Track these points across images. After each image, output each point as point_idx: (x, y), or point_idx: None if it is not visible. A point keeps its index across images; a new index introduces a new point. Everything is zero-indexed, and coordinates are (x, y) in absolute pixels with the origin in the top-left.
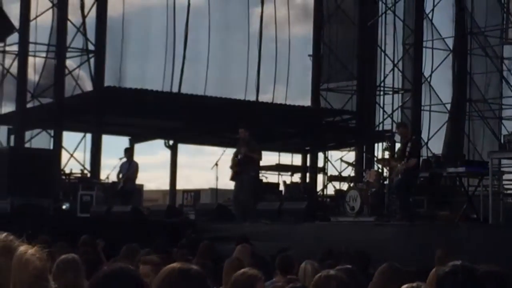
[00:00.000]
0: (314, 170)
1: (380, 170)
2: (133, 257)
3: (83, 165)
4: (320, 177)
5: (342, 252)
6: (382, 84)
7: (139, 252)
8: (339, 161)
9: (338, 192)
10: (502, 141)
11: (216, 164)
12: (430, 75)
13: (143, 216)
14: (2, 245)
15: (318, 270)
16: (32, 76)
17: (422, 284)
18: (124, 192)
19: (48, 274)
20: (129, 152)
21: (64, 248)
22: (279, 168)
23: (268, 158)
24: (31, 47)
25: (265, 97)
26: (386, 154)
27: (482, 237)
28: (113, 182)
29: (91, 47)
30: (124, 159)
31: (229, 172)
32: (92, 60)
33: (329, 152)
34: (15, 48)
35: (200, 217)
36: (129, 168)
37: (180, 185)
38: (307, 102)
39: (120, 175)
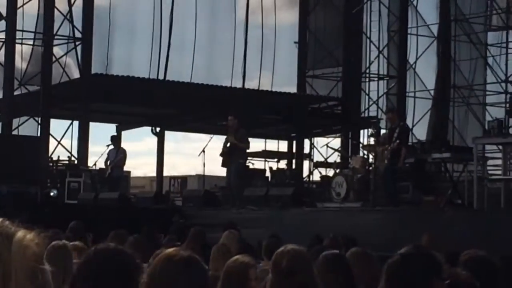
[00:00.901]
0: (300, 156)
1: (365, 156)
2: (121, 242)
3: (70, 152)
4: (306, 164)
5: (330, 238)
6: (367, 71)
7: (126, 237)
8: (325, 147)
9: (324, 178)
10: (486, 127)
11: (203, 151)
12: (415, 62)
13: (130, 203)
14: (1, 230)
15: None
16: (19, 63)
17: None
18: (111, 179)
19: (44, 259)
20: (116, 139)
21: (57, 235)
22: (266, 154)
23: (254, 144)
24: (18, 35)
25: (251, 84)
26: (372, 140)
27: (467, 222)
28: (101, 169)
29: (78, 34)
30: (112, 147)
31: (216, 159)
32: (79, 48)
33: (315, 138)
34: (2, 35)
35: (187, 204)
36: (117, 155)
37: (167, 171)
38: (293, 89)
39: (108, 162)
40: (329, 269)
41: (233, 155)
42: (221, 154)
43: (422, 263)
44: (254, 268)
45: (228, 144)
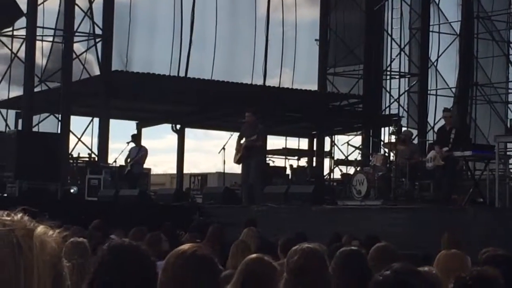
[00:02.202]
0: (321, 154)
1: (386, 154)
2: (141, 239)
3: (90, 149)
4: (326, 161)
5: (348, 236)
6: (388, 69)
7: (147, 234)
8: (346, 145)
9: (345, 176)
10: (508, 125)
11: (224, 148)
12: (437, 60)
13: (150, 200)
14: (23, 225)
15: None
16: (40, 60)
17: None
18: (131, 176)
19: (62, 255)
20: (137, 137)
21: (77, 232)
22: (286, 152)
23: (275, 142)
24: (39, 32)
25: (272, 82)
26: (393, 138)
27: (489, 221)
28: (121, 166)
29: (98, 31)
30: (132, 144)
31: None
32: (99, 45)
33: (336, 136)
34: (23, 32)
35: (207, 201)
36: (138, 152)
37: (187, 169)
38: (314, 86)
39: (128, 160)
40: (346, 265)
41: (252, 152)
42: (236, 149)
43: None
44: (277, 270)
45: (243, 141)
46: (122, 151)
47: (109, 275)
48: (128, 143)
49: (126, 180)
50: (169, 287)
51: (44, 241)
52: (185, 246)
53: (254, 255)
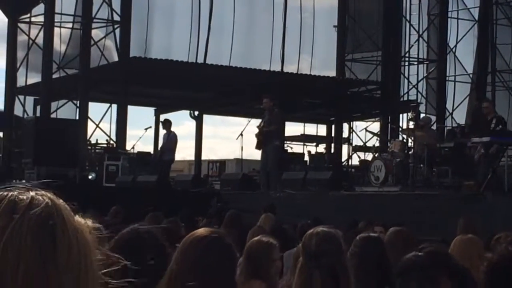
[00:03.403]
0: (339, 140)
1: (404, 140)
2: (157, 224)
3: (109, 136)
4: (345, 148)
5: (365, 222)
6: (407, 55)
7: (163, 220)
8: (364, 131)
9: (363, 162)
10: None
11: (241, 135)
12: (455, 46)
13: (168, 186)
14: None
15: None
16: (58, 46)
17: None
18: (162, 162)
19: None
20: (167, 123)
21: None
22: (304, 138)
23: (293, 128)
24: (57, 18)
25: (290, 68)
26: (411, 124)
27: (506, 207)
28: (139, 152)
29: (116, 17)
30: (162, 130)
31: (254, 142)
32: (117, 31)
33: (354, 122)
34: (41, 19)
35: (225, 187)
36: (168, 139)
37: (206, 155)
38: (332, 72)
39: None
40: (364, 251)
41: (269, 138)
42: (256, 135)
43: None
44: (276, 248)
45: (262, 125)
46: (140, 137)
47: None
48: (146, 129)
49: (157, 166)
50: (183, 270)
51: (80, 231)
52: (200, 230)
53: (255, 238)
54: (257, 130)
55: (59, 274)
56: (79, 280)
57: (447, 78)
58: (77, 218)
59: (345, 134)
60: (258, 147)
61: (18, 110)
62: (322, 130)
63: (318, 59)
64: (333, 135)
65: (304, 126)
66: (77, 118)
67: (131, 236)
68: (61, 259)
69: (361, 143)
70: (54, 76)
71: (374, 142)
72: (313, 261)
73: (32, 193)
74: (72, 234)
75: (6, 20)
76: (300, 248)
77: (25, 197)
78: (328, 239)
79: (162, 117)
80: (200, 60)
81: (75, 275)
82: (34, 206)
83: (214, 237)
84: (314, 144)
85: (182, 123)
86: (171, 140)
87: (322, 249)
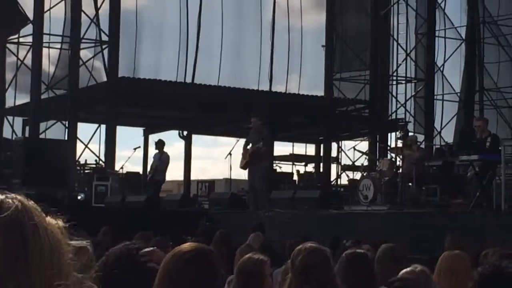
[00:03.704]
0: (328, 160)
1: (393, 159)
2: (146, 243)
3: (98, 156)
4: (333, 167)
5: (352, 241)
6: (395, 74)
7: (152, 238)
8: (353, 150)
9: (352, 181)
10: None
11: (230, 154)
12: (443, 64)
13: (157, 206)
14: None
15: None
16: (47, 67)
17: (419, 266)
18: (153, 182)
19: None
20: (160, 144)
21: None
22: (293, 158)
23: (282, 148)
24: (45, 38)
25: (278, 88)
26: (399, 143)
27: (496, 225)
28: (128, 173)
29: (105, 37)
30: (156, 151)
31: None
32: (106, 51)
33: (343, 141)
34: (29, 39)
35: (214, 207)
36: (160, 159)
37: (196, 176)
38: (320, 92)
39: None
40: (351, 267)
41: (257, 158)
42: (243, 155)
43: None
44: (267, 264)
45: (249, 147)
46: (129, 158)
47: (108, 278)
48: (134, 149)
49: (149, 186)
50: (165, 284)
51: (50, 229)
52: (185, 245)
53: (247, 255)
54: (242, 149)
55: (30, 275)
56: (52, 279)
57: (435, 97)
58: (48, 219)
59: (334, 153)
60: (245, 166)
61: (7, 132)
62: (311, 149)
63: (306, 78)
64: (321, 154)
65: (293, 145)
66: (66, 138)
67: (122, 252)
68: (33, 260)
69: (350, 162)
70: (43, 96)
71: (363, 161)
72: (302, 276)
73: (2, 197)
74: (43, 235)
75: None
76: (289, 265)
77: None
78: (315, 254)
79: (151, 137)
80: (189, 80)
81: (48, 275)
82: (4, 210)
83: (197, 251)
84: (303, 163)
85: (171, 143)
86: (163, 160)
87: (310, 264)
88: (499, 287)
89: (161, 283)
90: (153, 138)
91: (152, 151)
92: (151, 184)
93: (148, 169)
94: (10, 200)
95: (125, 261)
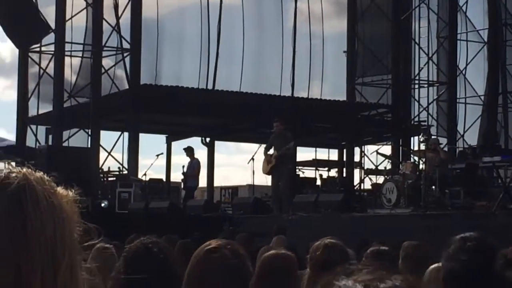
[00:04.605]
0: (351, 164)
1: (416, 162)
2: (172, 247)
3: (121, 164)
4: (356, 172)
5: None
6: (417, 78)
7: (177, 241)
8: (375, 154)
9: (375, 186)
10: None
11: (253, 159)
12: (465, 68)
13: (180, 211)
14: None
15: (354, 257)
16: (69, 76)
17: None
18: (187, 189)
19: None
20: (189, 151)
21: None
22: (316, 163)
23: (305, 154)
24: (67, 47)
25: (300, 94)
26: (422, 147)
27: None
28: (151, 180)
29: (126, 45)
30: (188, 158)
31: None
32: (127, 59)
33: (366, 146)
34: (51, 48)
35: (237, 211)
36: (191, 166)
37: (219, 183)
38: (342, 97)
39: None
40: (374, 263)
41: (281, 162)
42: (268, 160)
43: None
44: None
45: (271, 151)
46: (152, 164)
47: (132, 274)
48: (157, 156)
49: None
50: (194, 281)
51: (56, 203)
52: (213, 241)
53: (272, 251)
54: (264, 155)
55: (31, 254)
56: (55, 254)
57: (457, 100)
58: (59, 190)
59: (357, 158)
60: (269, 172)
61: (30, 140)
62: (333, 154)
63: (328, 84)
64: (344, 159)
65: (315, 151)
66: (89, 146)
67: (139, 247)
68: (33, 239)
69: (373, 167)
70: (66, 105)
71: (386, 165)
72: (319, 271)
73: (5, 172)
74: (47, 211)
75: (17, 51)
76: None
77: None
78: (333, 249)
79: (174, 144)
80: (210, 86)
81: (51, 250)
82: (5, 186)
83: (226, 247)
84: (326, 168)
85: (195, 151)
86: (194, 167)
87: (328, 259)
88: None
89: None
90: (176, 145)
91: (175, 158)
92: (185, 190)
93: (181, 177)
94: (14, 175)
95: (142, 256)
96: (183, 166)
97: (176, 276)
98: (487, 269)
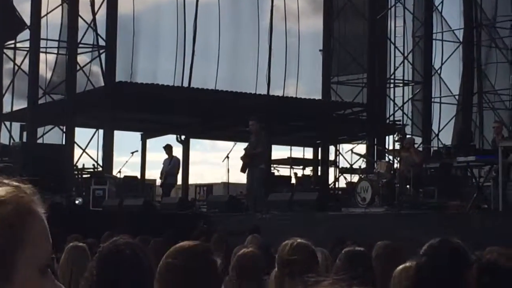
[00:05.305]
0: (326, 163)
1: (391, 161)
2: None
3: (95, 161)
4: (331, 170)
5: (352, 242)
6: (392, 77)
7: (150, 241)
8: (350, 153)
9: (350, 184)
10: None
11: (227, 157)
12: (440, 67)
13: (154, 209)
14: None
15: (329, 257)
16: (44, 72)
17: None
18: (166, 186)
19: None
20: (168, 149)
21: (76, 240)
22: (291, 161)
23: (280, 152)
24: (43, 44)
25: (276, 92)
26: (397, 146)
27: (493, 226)
28: (125, 177)
29: (102, 42)
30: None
31: (239, 165)
32: (103, 56)
33: (340, 145)
34: (26, 44)
35: (211, 209)
36: (171, 163)
37: (194, 180)
38: (318, 96)
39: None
40: (350, 265)
41: (254, 161)
42: (242, 158)
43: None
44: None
45: (249, 148)
46: (126, 162)
47: (105, 274)
48: (132, 153)
49: (162, 190)
50: (166, 279)
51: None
52: (184, 242)
53: (244, 250)
54: (243, 153)
55: None
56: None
57: (432, 99)
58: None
59: (332, 156)
60: (243, 170)
61: (4, 137)
62: (308, 153)
63: (304, 82)
64: (319, 157)
65: (290, 149)
66: (64, 143)
67: (110, 248)
68: None
69: (348, 165)
70: (40, 101)
71: (361, 164)
72: (285, 268)
73: None
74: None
75: None
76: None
77: None
78: (300, 248)
79: (149, 142)
80: (186, 84)
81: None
82: None
83: (198, 247)
84: (301, 167)
85: None
86: (174, 164)
87: (295, 257)
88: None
89: (162, 278)
90: (151, 142)
91: (150, 155)
92: (164, 188)
93: (126, 172)
94: None
95: (114, 257)
96: (163, 164)
97: (149, 277)
98: (455, 271)
